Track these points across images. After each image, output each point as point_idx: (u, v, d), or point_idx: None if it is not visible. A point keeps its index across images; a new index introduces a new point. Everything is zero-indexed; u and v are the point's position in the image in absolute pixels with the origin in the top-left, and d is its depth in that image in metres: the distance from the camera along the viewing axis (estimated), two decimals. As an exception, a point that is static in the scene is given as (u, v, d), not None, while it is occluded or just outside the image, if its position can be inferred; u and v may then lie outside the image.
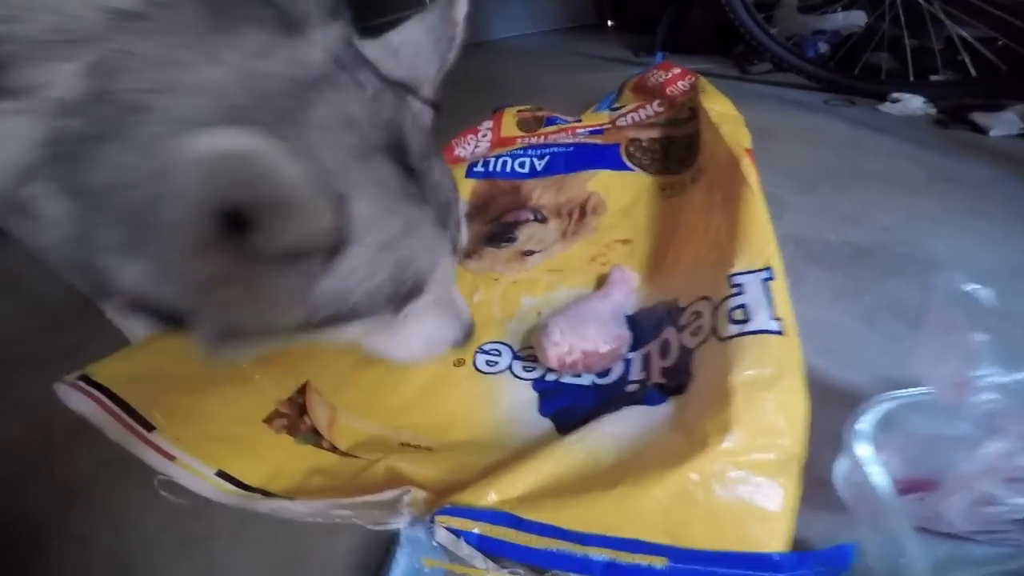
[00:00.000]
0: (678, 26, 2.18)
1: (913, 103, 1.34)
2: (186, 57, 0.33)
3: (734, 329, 0.48)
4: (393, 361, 0.55)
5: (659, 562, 0.39)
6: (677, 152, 0.94)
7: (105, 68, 0.33)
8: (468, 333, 0.58)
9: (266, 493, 0.51)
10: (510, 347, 0.66)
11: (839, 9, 1.74)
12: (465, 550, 0.42)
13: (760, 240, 0.54)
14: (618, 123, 1.13)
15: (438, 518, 0.43)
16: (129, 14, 0.33)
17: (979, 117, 1.19)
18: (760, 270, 0.51)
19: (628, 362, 0.61)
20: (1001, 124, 1.16)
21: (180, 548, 0.57)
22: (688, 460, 0.40)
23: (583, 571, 0.40)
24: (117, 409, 0.53)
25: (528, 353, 0.64)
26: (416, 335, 0.54)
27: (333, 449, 0.56)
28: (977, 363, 0.37)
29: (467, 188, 0.94)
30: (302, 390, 0.62)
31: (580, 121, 1.14)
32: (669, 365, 0.56)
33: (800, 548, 0.39)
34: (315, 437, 0.57)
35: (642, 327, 0.63)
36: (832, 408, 0.43)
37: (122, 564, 0.58)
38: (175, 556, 0.57)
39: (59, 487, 0.68)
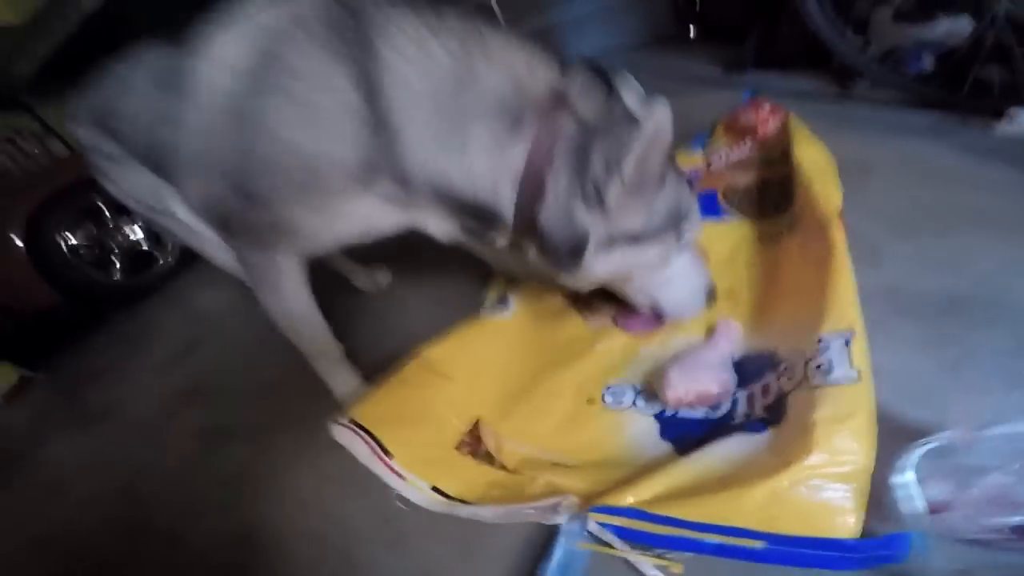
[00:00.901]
0: (769, 40, 2.12)
1: None
2: None
3: (819, 380, 0.60)
4: (669, 312, 0.82)
5: (758, 544, 0.53)
6: (773, 197, 1.03)
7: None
8: (712, 290, 0.84)
9: (463, 502, 0.69)
10: (632, 386, 0.80)
11: (939, 16, 1.56)
12: (608, 537, 0.59)
13: (844, 305, 0.65)
14: (712, 165, 1.22)
15: (591, 514, 0.59)
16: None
17: None
18: (843, 331, 0.62)
19: (735, 400, 0.72)
20: None
21: (390, 544, 0.75)
22: (779, 472, 0.54)
23: (697, 551, 0.55)
24: (369, 439, 0.74)
25: (649, 390, 0.78)
26: (683, 278, 0.81)
27: (503, 468, 0.74)
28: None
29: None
30: (476, 425, 0.81)
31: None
32: (769, 403, 0.67)
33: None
34: (489, 458, 0.76)
35: (746, 371, 0.75)
36: (901, 442, 0.54)
37: (346, 556, 0.76)
38: (386, 550, 0.75)
39: (291, 499, 0.89)
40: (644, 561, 0.57)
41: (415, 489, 0.71)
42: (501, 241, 0.77)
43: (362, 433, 0.75)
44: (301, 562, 0.79)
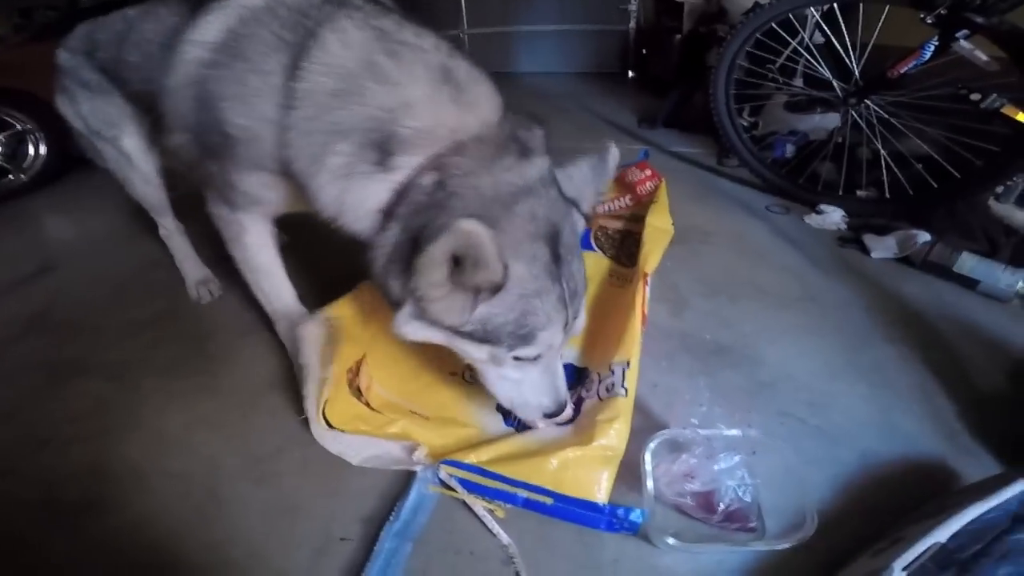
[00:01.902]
0: (683, 104, 2.39)
1: (834, 216, 1.51)
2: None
3: (604, 393, 0.84)
4: (496, 399, 0.80)
5: (549, 501, 0.72)
6: (629, 248, 1.26)
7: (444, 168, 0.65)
8: (559, 408, 0.77)
9: (333, 427, 0.82)
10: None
11: (819, 111, 1.78)
12: (453, 484, 0.75)
13: (630, 344, 0.88)
14: (597, 209, 1.44)
15: (442, 466, 0.76)
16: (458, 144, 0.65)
17: (868, 239, 1.37)
18: (624, 363, 0.85)
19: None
20: (881, 248, 1.33)
21: (258, 482, 0.78)
22: (569, 447, 0.74)
23: (512, 503, 0.73)
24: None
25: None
26: (515, 384, 0.76)
27: (367, 405, 0.88)
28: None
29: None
30: (361, 360, 0.94)
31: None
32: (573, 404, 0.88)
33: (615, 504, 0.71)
34: (358, 393, 0.89)
35: (571, 380, 0.95)
36: (651, 431, 0.77)
37: (212, 493, 0.77)
38: (255, 487, 0.77)
39: (155, 436, 0.87)
40: (477, 504, 0.74)
41: (314, 408, 0.82)
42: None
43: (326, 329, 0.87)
44: (163, 497, 0.77)
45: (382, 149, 0.66)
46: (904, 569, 0.54)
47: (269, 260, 0.99)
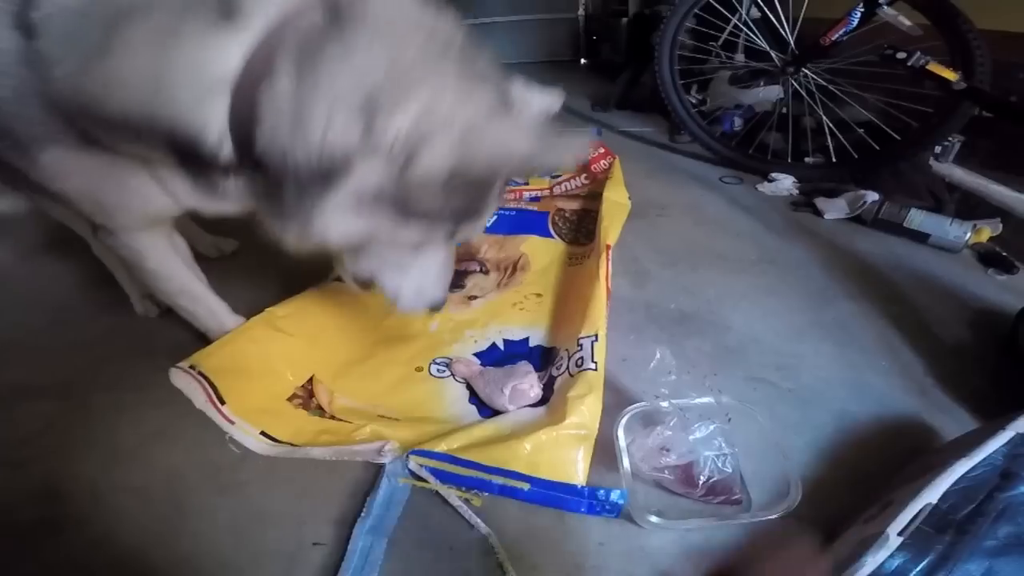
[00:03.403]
0: (633, 85, 2.40)
1: (786, 183, 1.53)
2: None
3: (574, 369, 0.79)
4: (387, 295, 0.72)
5: (525, 486, 0.67)
6: (587, 226, 1.23)
7: None
8: (442, 301, 0.74)
9: (292, 445, 0.76)
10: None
11: (761, 83, 1.79)
12: (424, 475, 0.70)
13: (596, 317, 0.83)
14: (554, 190, 1.42)
15: (411, 456, 0.71)
16: None
17: (819, 202, 1.38)
18: (592, 336, 0.81)
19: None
20: (833, 209, 1.35)
21: (221, 492, 0.73)
22: (542, 429, 0.70)
23: (488, 491, 0.68)
24: (206, 385, 0.79)
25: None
26: (421, 272, 0.69)
27: (333, 417, 0.82)
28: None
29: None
30: (311, 381, 0.88)
31: (527, 184, 1.40)
32: (544, 384, 0.84)
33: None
34: (320, 412, 0.83)
35: (539, 361, 0.92)
36: (623, 407, 0.74)
37: (175, 506, 0.72)
38: (219, 497, 0.72)
39: (110, 452, 0.81)
40: (452, 495, 0.68)
41: (243, 433, 0.77)
42: (233, 203, 0.61)
43: (201, 379, 0.79)
44: (125, 513, 0.73)
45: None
46: (900, 534, 0.51)
47: (183, 279, 0.86)
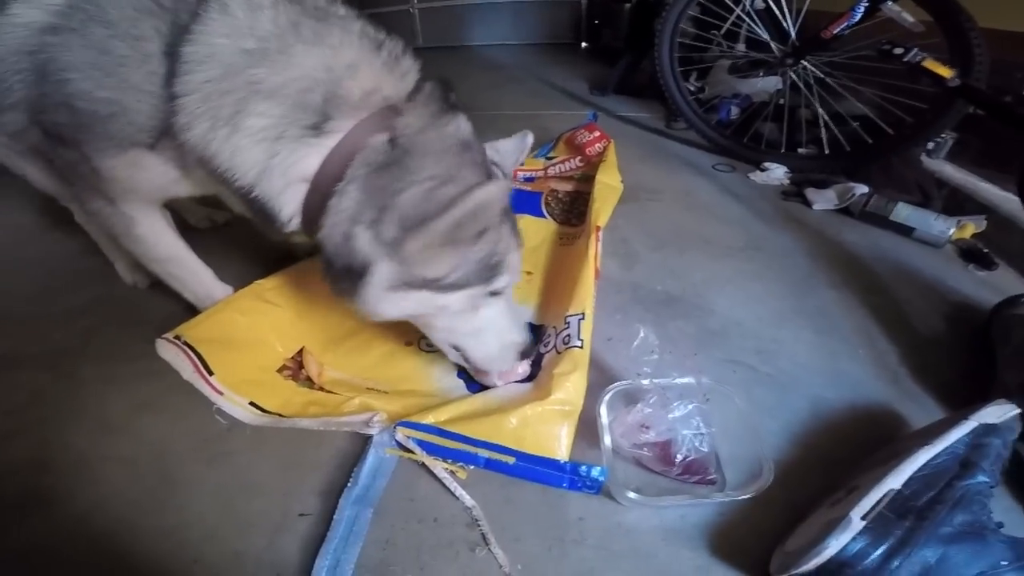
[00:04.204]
0: (632, 71, 2.38)
1: (777, 173, 1.52)
2: None
3: (561, 346, 0.78)
4: (476, 364, 0.77)
5: (511, 460, 0.67)
6: (579, 207, 1.21)
7: None
8: (529, 340, 0.78)
9: (280, 416, 0.76)
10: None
11: (760, 74, 1.81)
12: (411, 446, 0.70)
13: (584, 296, 0.83)
14: (548, 172, 1.41)
15: (398, 428, 0.70)
16: None
17: (809, 192, 1.38)
18: (579, 314, 0.80)
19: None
20: (822, 200, 1.35)
21: (210, 463, 0.73)
22: (528, 404, 0.70)
23: (474, 464, 0.68)
24: (193, 356, 0.77)
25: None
26: (493, 331, 0.75)
27: (321, 389, 0.82)
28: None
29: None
30: (300, 352, 0.87)
31: (523, 165, 1.39)
32: (532, 362, 0.84)
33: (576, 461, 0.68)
34: (309, 383, 0.83)
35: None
36: (607, 385, 0.74)
37: (162, 477, 0.72)
38: (206, 468, 0.72)
39: (97, 424, 0.81)
40: (438, 466, 0.69)
41: (231, 404, 0.76)
42: (297, 238, 0.72)
43: (187, 350, 0.77)
44: (112, 485, 0.73)
45: (319, 112, 0.60)
46: (863, 518, 0.52)
47: (172, 245, 0.86)
